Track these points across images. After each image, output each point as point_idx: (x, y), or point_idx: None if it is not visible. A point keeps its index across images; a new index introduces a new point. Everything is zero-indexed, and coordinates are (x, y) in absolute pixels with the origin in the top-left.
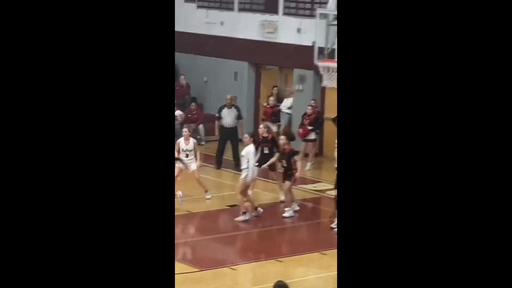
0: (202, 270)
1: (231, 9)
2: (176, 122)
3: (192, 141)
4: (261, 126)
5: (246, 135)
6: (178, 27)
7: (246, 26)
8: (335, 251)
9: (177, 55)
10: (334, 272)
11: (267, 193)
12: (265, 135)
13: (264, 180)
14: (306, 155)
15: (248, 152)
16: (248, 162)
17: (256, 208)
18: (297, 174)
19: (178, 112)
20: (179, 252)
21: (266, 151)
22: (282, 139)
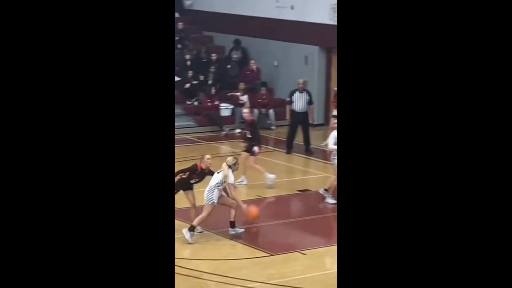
0: (272, 255)
1: None
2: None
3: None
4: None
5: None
6: (248, 12)
7: (317, 9)
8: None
9: (247, 39)
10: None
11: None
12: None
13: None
14: None
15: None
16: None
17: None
18: (256, 149)
19: (245, 97)
20: (249, 236)
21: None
22: (245, 109)
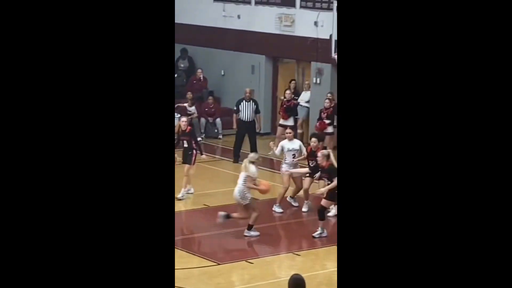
0: (219, 264)
1: (248, 3)
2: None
3: (298, 142)
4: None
5: None
6: (195, 21)
7: (263, 19)
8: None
9: (194, 48)
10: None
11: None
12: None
13: (277, 172)
14: (324, 148)
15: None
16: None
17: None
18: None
19: (193, 109)
20: (196, 246)
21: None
22: (183, 118)
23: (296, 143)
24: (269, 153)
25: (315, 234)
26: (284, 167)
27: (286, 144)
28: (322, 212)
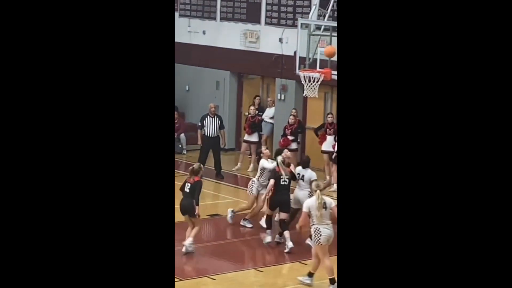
0: (181, 280)
1: (213, 18)
2: None
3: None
4: None
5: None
6: None
7: (228, 35)
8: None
9: None
10: (317, 282)
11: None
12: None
13: (246, 189)
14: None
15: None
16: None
17: None
18: None
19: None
20: None
21: None
22: None
23: (272, 162)
24: (233, 169)
25: (265, 243)
26: (260, 188)
27: (266, 164)
28: (269, 222)
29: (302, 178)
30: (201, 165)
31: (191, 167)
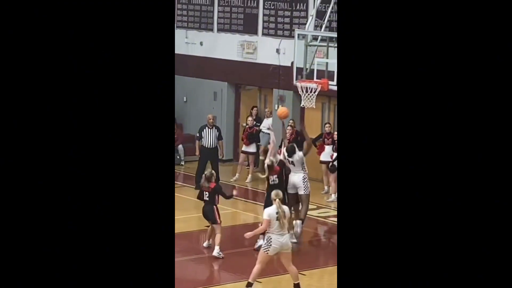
0: None
1: (211, 30)
2: None
3: None
4: None
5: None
6: None
7: (226, 46)
8: (312, 271)
9: None
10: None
11: (247, 213)
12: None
13: (244, 200)
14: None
15: None
16: None
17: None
18: None
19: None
20: None
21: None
22: None
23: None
24: (231, 180)
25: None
26: None
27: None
28: None
29: (293, 163)
30: (213, 171)
31: (203, 175)
